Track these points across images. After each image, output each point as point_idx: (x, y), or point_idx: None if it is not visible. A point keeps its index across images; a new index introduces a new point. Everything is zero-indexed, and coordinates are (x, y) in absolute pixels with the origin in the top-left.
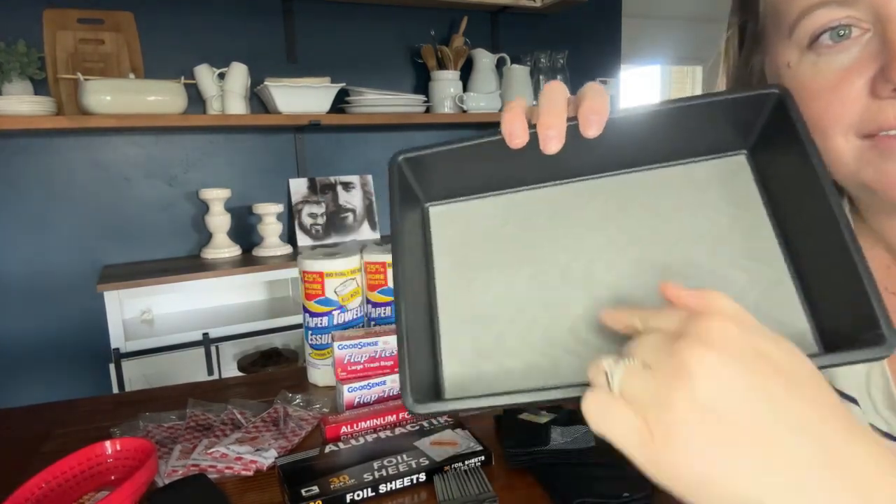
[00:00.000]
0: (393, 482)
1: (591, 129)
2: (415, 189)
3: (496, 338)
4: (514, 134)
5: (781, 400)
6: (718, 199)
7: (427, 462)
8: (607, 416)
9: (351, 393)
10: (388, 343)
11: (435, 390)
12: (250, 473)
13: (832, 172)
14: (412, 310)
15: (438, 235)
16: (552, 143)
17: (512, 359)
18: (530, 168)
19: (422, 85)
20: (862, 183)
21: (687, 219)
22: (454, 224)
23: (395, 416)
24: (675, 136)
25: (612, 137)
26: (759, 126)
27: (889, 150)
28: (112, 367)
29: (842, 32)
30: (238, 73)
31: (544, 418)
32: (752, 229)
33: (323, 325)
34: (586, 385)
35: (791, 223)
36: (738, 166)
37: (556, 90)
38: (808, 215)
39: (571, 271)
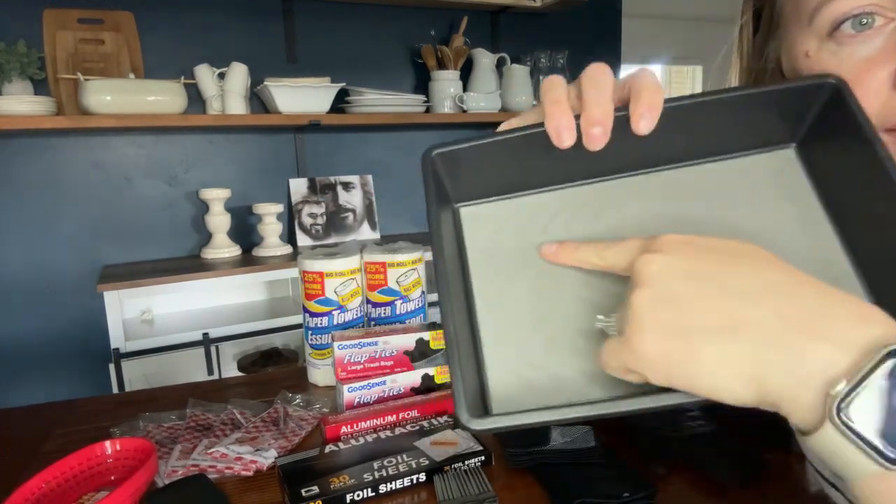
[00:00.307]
0: (393, 482)
1: (644, 126)
2: (447, 187)
3: (545, 346)
4: (562, 133)
5: (725, 276)
6: (770, 196)
7: (427, 462)
8: (605, 353)
9: (351, 393)
10: (388, 343)
11: (482, 404)
12: (250, 473)
13: None
14: (458, 318)
15: (472, 238)
16: (597, 141)
17: (565, 368)
18: (569, 163)
19: (422, 85)
20: None
21: (738, 218)
22: (489, 225)
23: (395, 416)
24: (721, 130)
25: (656, 131)
26: (810, 118)
27: None
28: (112, 367)
29: (864, 21)
30: (238, 73)
31: None
32: (809, 225)
33: (323, 325)
34: (648, 393)
35: (851, 218)
36: (786, 160)
37: (602, 78)
38: (875, 210)
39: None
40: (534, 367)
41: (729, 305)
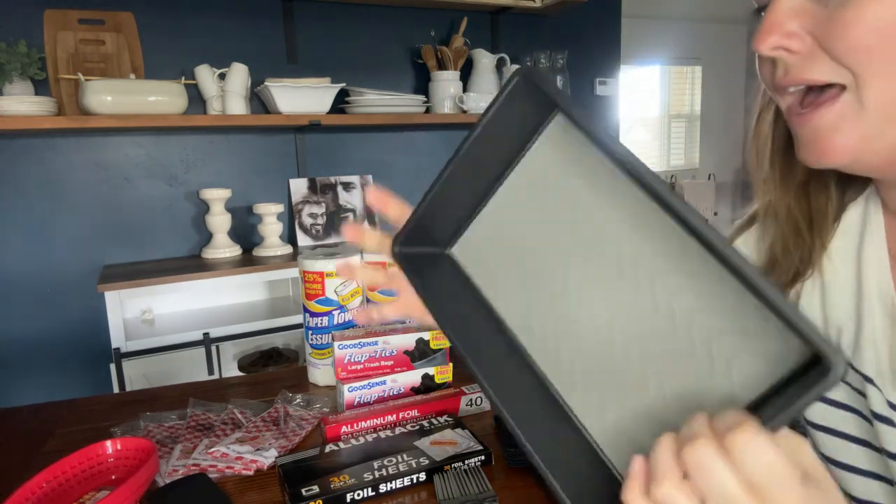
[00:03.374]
0: (393, 482)
1: None
2: (549, 94)
3: (507, 264)
4: None
5: None
6: (747, 346)
7: (427, 462)
8: (630, 496)
9: (351, 393)
10: (388, 343)
11: (439, 240)
12: (251, 473)
13: None
14: (462, 176)
15: (544, 143)
16: None
17: (498, 292)
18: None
19: (422, 85)
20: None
21: (702, 329)
22: (566, 149)
23: (395, 415)
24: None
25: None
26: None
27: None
28: (112, 366)
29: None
30: (238, 74)
31: None
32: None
33: (323, 324)
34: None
35: None
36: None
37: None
38: None
39: (597, 274)
40: (487, 274)
41: None
